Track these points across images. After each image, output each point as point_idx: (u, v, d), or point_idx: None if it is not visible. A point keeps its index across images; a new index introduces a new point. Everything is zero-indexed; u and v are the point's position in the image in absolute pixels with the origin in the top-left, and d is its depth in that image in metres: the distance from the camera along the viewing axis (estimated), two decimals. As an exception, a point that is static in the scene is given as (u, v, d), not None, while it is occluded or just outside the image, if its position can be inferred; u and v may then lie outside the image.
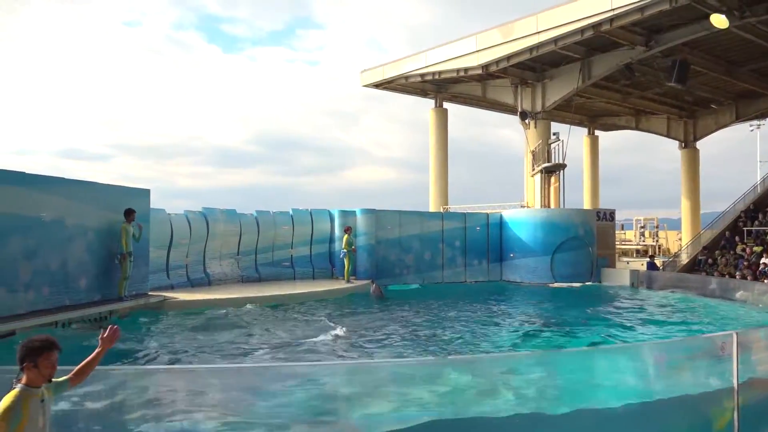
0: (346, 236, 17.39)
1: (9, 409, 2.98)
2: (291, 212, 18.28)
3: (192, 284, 15.37)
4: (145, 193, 13.29)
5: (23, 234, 9.84)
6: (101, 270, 11.69)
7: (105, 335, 3.53)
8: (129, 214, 11.97)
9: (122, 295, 11.90)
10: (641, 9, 17.54)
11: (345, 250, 17.30)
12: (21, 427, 2.99)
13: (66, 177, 11.24)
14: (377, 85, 27.79)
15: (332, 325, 11.32)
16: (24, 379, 3.12)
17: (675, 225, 36.98)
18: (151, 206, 13.64)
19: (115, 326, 3.58)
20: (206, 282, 15.77)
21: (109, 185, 12.42)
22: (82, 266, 11.23)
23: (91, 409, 4.52)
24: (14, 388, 3.10)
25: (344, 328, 10.91)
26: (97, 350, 3.51)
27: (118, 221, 11.89)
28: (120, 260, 11.85)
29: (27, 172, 10.16)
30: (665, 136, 32.78)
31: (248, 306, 13.08)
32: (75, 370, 3.41)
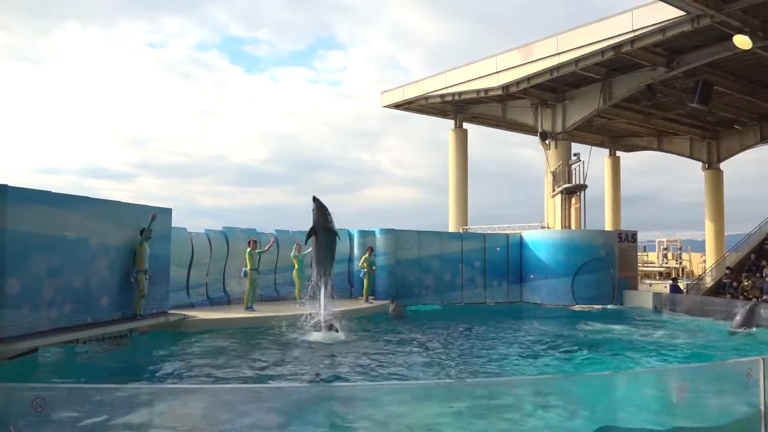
0: (365, 255, 17.37)
1: None
2: (311, 232, 18.28)
3: (212, 303, 15.46)
4: (167, 212, 13.43)
5: (47, 252, 9.97)
6: (122, 288, 11.78)
7: None
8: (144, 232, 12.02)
9: (137, 313, 11.91)
10: (662, 30, 17.46)
11: (364, 270, 17.25)
12: None
13: (90, 196, 11.40)
14: (398, 106, 27.93)
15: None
16: None
17: (699, 247, 36.31)
18: (173, 225, 13.79)
19: None
20: (226, 301, 15.85)
21: (132, 204, 12.57)
22: (103, 285, 11.33)
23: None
24: None
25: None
26: None
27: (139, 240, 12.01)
28: (135, 279, 11.89)
29: (52, 191, 10.34)
30: (688, 157, 32.40)
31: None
32: None
